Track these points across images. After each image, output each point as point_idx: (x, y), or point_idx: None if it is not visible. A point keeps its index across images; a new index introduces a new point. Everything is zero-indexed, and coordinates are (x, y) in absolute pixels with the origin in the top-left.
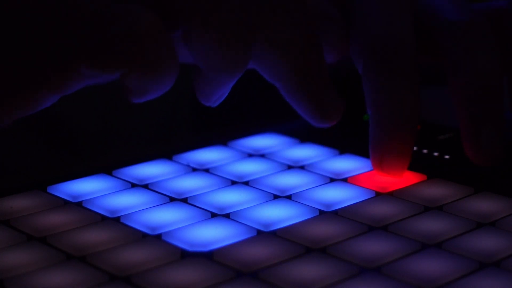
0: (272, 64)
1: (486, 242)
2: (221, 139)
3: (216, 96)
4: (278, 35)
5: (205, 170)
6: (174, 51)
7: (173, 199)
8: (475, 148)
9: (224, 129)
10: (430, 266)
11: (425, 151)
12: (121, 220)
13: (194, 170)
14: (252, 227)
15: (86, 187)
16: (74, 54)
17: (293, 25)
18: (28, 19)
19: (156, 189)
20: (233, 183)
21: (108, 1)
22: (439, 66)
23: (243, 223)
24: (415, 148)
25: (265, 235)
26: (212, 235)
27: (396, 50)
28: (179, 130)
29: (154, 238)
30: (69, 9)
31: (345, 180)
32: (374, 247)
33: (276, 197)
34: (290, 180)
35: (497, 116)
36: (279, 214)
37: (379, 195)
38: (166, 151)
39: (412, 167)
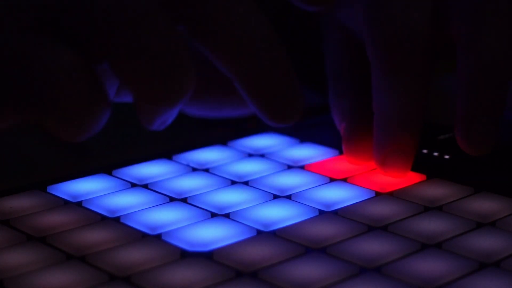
0: (223, 61)
1: (486, 242)
2: (221, 139)
3: (159, 122)
4: (229, 28)
5: (205, 170)
6: (100, 90)
7: (173, 199)
8: (464, 135)
9: (224, 129)
10: (430, 266)
11: (425, 151)
12: (121, 220)
13: (194, 170)
14: (252, 227)
15: (86, 187)
16: None
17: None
18: None
19: (156, 189)
20: (233, 183)
21: (19, 34)
22: (451, 43)
23: (243, 223)
24: None
25: (265, 235)
26: (212, 235)
27: (408, 49)
28: (179, 130)
29: (154, 238)
30: None
31: (344, 180)
32: (374, 247)
33: (276, 197)
34: (290, 180)
35: (494, 107)
36: (279, 214)
37: (379, 195)
38: (166, 151)
39: (412, 167)
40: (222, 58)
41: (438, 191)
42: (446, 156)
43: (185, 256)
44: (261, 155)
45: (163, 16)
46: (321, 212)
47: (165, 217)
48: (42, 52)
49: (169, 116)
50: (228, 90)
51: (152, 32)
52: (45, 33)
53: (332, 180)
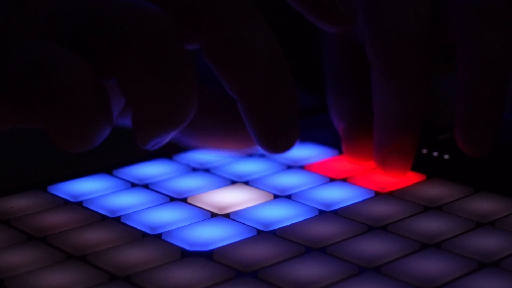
0: (230, 79)
1: (486, 242)
2: None
3: (153, 142)
4: (239, 43)
5: (205, 169)
6: (105, 105)
7: (173, 199)
8: (464, 137)
9: None
10: (429, 266)
11: (425, 151)
12: (121, 220)
13: (194, 169)
14: (252, 227)
15: (86, 187)
16: None
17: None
18: None
19: (156, 189)
20: (233, 183)
21: (36, 41)
22: (450, 45)
23: (243, 223)
24: None
25: (265, 235)
26: (212, 235)
27: (407, 49)
28: None
29: (154, 238)
30: None
31: (344, 179)
32: (374, 247)
33: (276, 197)
34: (290, 180)
35: (494, 109)
36: (279, 214)
37: (379, 195)
38: (166, 151)
39: (412, 167)
40: (229, 77)
41: (438, 191)
42: (446, 156)
43: (185, 255)
44: (261, 155)
45: (175, 36)
46: (321, 212)
47: (165, 217)
48: (56, 59)
49: (165, 138)
50: (231, 126)
51: (163, 52)
52: (60, 41)
53: (332, 180)
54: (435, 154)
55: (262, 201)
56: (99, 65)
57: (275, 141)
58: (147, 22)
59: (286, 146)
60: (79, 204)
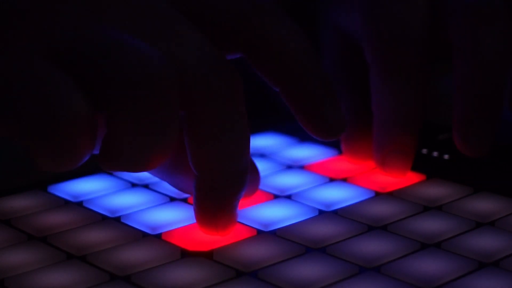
0: (270, 68)
1: (485, 242)
2: None
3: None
4: (274, 40)
5: None
6: (94, 137)
7: (173, 199)
8: (462, 137)
9: None
10: (429, 266)
11: (425, 151)
12: (121, 220)
13: None
14: (252, 227)
15: (87, 187)
16: None
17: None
18: None
19: (156, 189)
20: None
21: (37, 62)
22: (448, 47)
23: (243, 223)
24: None
25: (265, 235)
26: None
27: (405, 50)
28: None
29: (154, 238)
30: None
31: (344, 179)
32: (374, 247)
33: (276, 197)
34: (290, 180)
35: (490, 109)
36: (279, 214)
37: (378, 195)
38: None
39: (412, 167)
40: (273, 78)
41: (437, 191)
42: (446, 156)
43: (185, 256)
44: (261, 155)
45: (172, 96)
46: (321, 212)
47: (165, 216)
48: (59, 92)
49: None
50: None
51: (154, 108)
52: (59, 64)
53: (332, 180)
54: (435, 154)
55: (262, 201)
56: (93, 97)
57: (326, 123)
58: (151, 76)
59: (339, 127)
60: (79, 204)
